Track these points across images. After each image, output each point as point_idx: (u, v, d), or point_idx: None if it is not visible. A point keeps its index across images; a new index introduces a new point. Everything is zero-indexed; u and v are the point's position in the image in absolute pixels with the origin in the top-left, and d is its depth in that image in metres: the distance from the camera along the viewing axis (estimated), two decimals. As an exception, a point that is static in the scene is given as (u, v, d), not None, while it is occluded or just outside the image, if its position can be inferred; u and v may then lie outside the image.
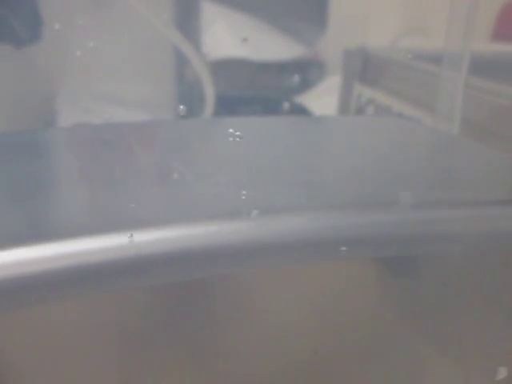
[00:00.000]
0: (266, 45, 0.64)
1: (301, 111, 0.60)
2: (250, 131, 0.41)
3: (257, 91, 0.64)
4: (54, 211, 0.27)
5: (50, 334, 0.26)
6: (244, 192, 0.28)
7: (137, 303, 0.27)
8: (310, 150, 0.38)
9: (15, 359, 0.26)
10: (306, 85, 0.63)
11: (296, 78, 0.62)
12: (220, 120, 0.50)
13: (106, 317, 0.27)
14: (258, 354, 0.29)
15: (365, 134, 0.42)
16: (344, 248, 0.26)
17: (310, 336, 0.30)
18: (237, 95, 0.62)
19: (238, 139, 0.33)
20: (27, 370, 0.26)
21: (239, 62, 0.63)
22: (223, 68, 0.62)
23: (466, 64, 0.40)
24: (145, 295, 0.27)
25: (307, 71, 0.63)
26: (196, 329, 0.28)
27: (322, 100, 0.62)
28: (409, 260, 0.30)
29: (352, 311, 0.30)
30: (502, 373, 0.30)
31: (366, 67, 0.57)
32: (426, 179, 0.33)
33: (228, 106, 0.55)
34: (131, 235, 0.23)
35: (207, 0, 0.63)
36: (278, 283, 0.28)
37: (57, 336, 0.26)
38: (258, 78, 0.64)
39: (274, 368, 0.30)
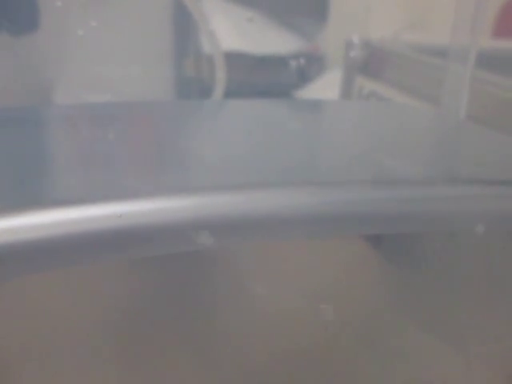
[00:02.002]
0: (266, 38, 0.64)
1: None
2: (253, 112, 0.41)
3: (255, 85, 0.64)
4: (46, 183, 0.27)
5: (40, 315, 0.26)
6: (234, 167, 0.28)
7: (130, 281, 0.27)
8: (320, 130, 0.38)
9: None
10: (305, 79, 0.63)
11: (295, 73, 0.62)
12: (225, 102, 0.50)
13: (96, 298, 0.27)
14: (259, 334, 0.29)
15: (369, 116, 0.43)
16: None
17: (313, 317, 0.29)
18: (235, 89, 0.62)
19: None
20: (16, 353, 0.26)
21: (238, 55, 0.63)
22: (222, 61, 0.62)
23: (472, 58, 0.41)
24: (141, 274, 0.27)
25: (307, 65, 0.63)
26: (196, 310, 0.28)
27: (321, 95, 0.62)
28: (412, 242, 0.30)
29: (354, 295, 0.30)
30: None
31: (367, 59, 0.57)
32: (434, 158, 0.33)
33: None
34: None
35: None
36: (279, 262, 0.28)
37: (48, 315, 0.26)
38: (257, 71, 0.64)
39: (277, 349, 0.30)
